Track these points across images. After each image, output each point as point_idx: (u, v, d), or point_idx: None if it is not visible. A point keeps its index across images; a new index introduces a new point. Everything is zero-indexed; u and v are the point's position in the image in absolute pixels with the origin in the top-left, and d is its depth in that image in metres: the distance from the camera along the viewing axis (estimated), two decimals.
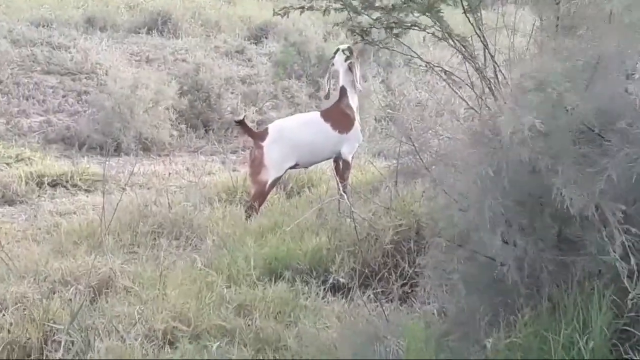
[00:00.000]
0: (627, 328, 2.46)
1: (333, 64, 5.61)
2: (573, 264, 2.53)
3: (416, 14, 4.26)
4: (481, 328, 2.56)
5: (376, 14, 4.33)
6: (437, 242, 2.81)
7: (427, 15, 4.20)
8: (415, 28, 4.29)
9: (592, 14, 2.74)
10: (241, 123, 5.32)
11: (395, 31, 4.32)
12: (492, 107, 4.25)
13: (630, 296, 2.33)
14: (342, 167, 5.53)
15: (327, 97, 5.67)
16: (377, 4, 4.30)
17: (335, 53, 5.64)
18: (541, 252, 2.53)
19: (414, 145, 3.79)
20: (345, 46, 5.59)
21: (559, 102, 2.34)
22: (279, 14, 4.60)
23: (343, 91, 5.54)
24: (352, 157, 5.61)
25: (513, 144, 2.37)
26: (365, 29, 4.39)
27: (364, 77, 9.46)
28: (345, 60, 5.49)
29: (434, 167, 3.19)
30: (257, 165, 5.30)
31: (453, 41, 4.26)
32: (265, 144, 5.29)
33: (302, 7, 4.45)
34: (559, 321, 2.50)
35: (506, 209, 2.51)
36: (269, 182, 5.29)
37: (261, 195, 5.30)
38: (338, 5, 4.39)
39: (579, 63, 2.49)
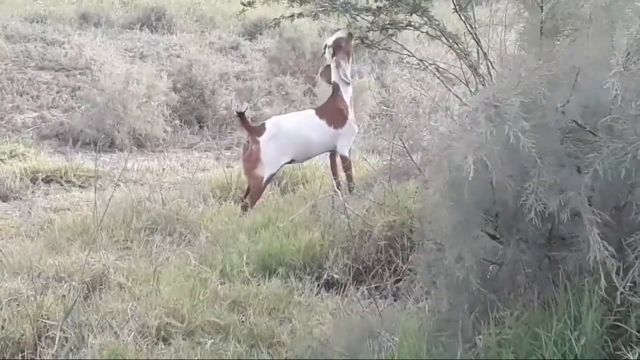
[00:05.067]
0: (619, 324, 2.47)
1: (325, 59, 5.63)
2: (564, 260, 2.54)
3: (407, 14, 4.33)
4: (471, 325, 2.57)
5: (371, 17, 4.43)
6: (426, 241, 2.83)
7: (417, 15, 4.26)
8: (410, 28, 4.35)
9: (574, 13, 2.76)
10: (241, 115, 5.29)
11: (390, 31, 4.39)
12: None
13: (618, 291, 2.34)
14: (342, 164, 5.54)
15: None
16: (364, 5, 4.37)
17: (324, 48, 5.65)
18: (529, 249, 2.55)
19: (404, 147, 3.80)
20: (331, 40, 5.57)
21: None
22: (271, 26, 4.71)
23: (335, 87, 5.55)
24: (350, 152, 5.62)
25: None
26: (364, 33, 4.47)
27: (359, 73, 9.47)
28: (332, 57, 5.51)
29: (426, 166, 3.21)
30: (253, 160, 5.29)
31: (446, 39, 4.30)
32: (262, 139, 5.28)
33: (292, 15, 4.53)
34: (550, 317, 2.51)
35: (491, 207, 2.53)
36: (265, 178, 5.29)
37: (257, 191, 5.31)
38: (328, 9, 4.46)
39: (563, 67, 2.51)
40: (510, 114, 2.36)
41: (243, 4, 4.67)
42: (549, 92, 2.45)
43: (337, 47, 5.51)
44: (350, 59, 5.59)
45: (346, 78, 5.50)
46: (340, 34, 5.51)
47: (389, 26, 4.39)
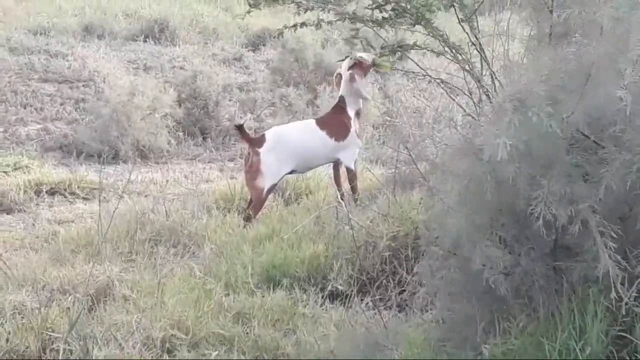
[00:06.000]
0: (624, 334, 2.47)
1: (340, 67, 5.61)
2: (569, 271, 2.53)
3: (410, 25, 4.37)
4: (477, 334, 2.57)
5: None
6: (432, 250, 2.83)
7: (421, 24, 4.29)
8: (417, 48, 4.40)
9: (584, 21, 2.76)
10: (240, 128, 5.30)
11: (398, 54, 4.45)
12: (489, 115, 4.29)
13: (624, 302, 2.34)
14: (347, 176, 5.53)
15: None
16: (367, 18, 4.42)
17: (346, 57, 5.61)
18: (534, 260, 2.54)
19: (410, 155, 3.80)
20: (358, 55, 5.51)
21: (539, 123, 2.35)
22: (275, 36, 4.75)
23: (341, 99, 5.54)
24: (355, 164, 5.61)
25: (494, 164, 2.38)
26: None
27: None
28: (348, 69, 5.49)
29: (431, 175, 3.21)
30: (254, 171, 5.28)
31: (450, 50, 4.31)
32: (262, 150, 5.28)
33: (295, 25, 4.56)
34: (555, 327, 2.51)
35: (498, 217, 2.53)
36: (266, 189, 5.28)
37: (258, 202, 5.30)
38: (331, 19, 4.50)
39: (571, 69, 2.51)
40: (537, 102, 2.36)
41: (250, 4, 4.69)
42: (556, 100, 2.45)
43: (359, 63, 5.48)
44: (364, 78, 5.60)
45: (364, 93, 5.52)
46: (367, 57, 5.46)
47: (398, 49, 4.46)
